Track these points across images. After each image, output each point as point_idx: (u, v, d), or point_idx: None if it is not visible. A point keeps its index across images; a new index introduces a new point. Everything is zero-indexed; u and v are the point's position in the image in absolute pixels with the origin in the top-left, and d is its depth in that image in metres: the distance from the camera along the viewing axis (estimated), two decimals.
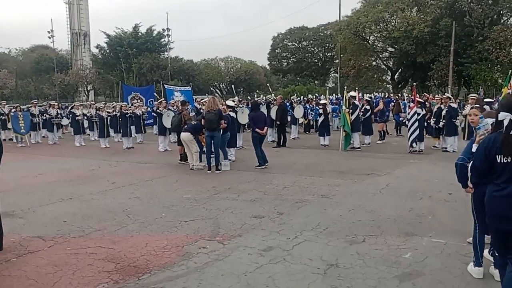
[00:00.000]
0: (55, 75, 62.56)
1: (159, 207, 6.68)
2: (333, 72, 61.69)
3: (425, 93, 25.46)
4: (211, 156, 9.88)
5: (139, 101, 21.80)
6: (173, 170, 10.38)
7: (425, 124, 13.13)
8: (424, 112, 13.03)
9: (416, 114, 12.39)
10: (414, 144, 12.35)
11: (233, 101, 16.01)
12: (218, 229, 5.52)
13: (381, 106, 16.35)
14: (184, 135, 10.18)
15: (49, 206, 6.89)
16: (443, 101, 13.05)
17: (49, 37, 65.46)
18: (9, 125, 17.47)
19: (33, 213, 6.44)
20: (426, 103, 16.51)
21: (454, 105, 13.00)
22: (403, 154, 12.28)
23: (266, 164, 10.25)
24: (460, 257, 4.43)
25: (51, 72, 64.68)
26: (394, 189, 7.63)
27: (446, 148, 12.53)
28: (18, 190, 8.10)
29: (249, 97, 34.02)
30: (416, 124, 12.30)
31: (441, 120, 12.65)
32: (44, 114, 17.51)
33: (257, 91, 45.51)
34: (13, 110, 16.91)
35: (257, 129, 10.40)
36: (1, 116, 17.89)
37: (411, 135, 12.36)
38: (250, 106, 16.70)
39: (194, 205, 6.77)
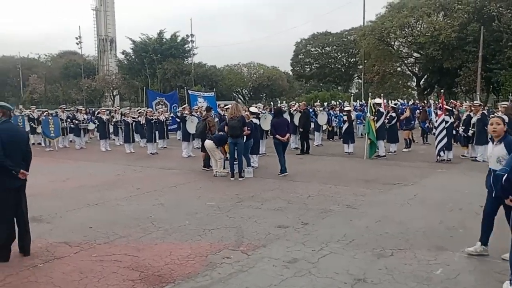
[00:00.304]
0: (82, 81, 64.12)
1: (183, 214, 6.68)
2: (356, 78, 61.10)
3: (452, 100, 24.89)
4: (234, 163, 9.86)
5: (163, 106, 22.01)
6: (197, 176, 10.40)
7: (453, 132, 12.81)
8: (452, 120, 12.70)
9: (444, 122, 12.08)
10: (441, 153, 12.04)
11: (257, 107, 16.01)
12: (242, 239, 5.46)
13: (407, 113, 16.01)
14: (208, 144, 10.19)
15: (75, 211, 6.98)
16: (472, 108, 12.68)
17: (77, 43, 67.13)
18: (39, 130, 17.93)
19: (60, 218, 6.53)
20: (454, 110, 16.14)
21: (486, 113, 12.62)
22: (430, 163, 11.97)
23: (285, 173, 10.16)
24: (495, 275, 4.23)
25: (79, 78, 66.32)
26: (422, 200, 7.41)
27: (475, 157, 12.16)
28: (46, 195, 8.25)
29: (272, 103, 33.92)
30: (444, 132, 11.99)
31: (470, 128, 12.31)
32: (72, 119, 17.89)
33: (278, 99, 45.50)
34: (43, 115, 17.31)
35: (277, 136, 10.36)
36: (30, 122, 18.37)
37: (438, 143, 12.05)
38: (273, 112, 16.69)
39: (218, 213, 6.74)
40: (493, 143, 4.64)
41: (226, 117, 11.13)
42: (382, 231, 5.69)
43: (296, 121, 15.08)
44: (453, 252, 4.89)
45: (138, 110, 19.00)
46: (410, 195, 7.81)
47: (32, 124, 18.38)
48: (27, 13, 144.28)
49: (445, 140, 11.93)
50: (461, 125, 13.10)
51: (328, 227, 5.89)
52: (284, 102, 29.18)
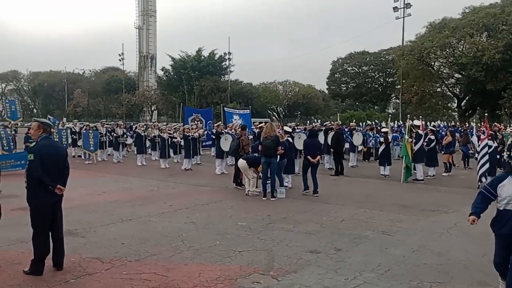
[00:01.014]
0: (123, 95, 66.37)
1: (214, 234, 6.63)
2: (394, 98, 60.09)
3: (496, 123, 23.89)
4: (267, 182, 9.78)
5: (199, 123, 22.33)
6: (229, 194, 10.38)
7: (497, 157, 12.22)
8: (495, 144, 12.13)
9: (487, 147, 11.55)
10: (483, 179, 11.46)
11: (290, 126, 15.94)
12: (272, 263, 5.34)
13: (449, 138, 15.37)
14: (241, 163, 10.17)
15: (109, 226, 7.08)
16: None
17: (119, 60, 69.85)
18: (79, 143, 18.57)
19: (94, 233, 6.64)
20: (498, 134, 15.45)
21: None
22: (471, 189, 11.39)
23: (307, 191, 10.27)
24: None
25: (120, 93, 68.73)
26: (464, 230, 7.03)
27: None
28: (82, 208, 8.44)
29: (307, 122, 33.76)
30: (487, 157, 11.44)
31: None
32: (112, 133, 18.42)
33: (313, 117, 45.17)
34: (83, 129, 17.91)
35: (308, 156, 10.41)
36: (72, 135, 19.07)
37: (480, 168, 11.50)
38: (307, 131, 16.56)
39: (249, 234, 6.65)
40: None
41: (260, 135, 11.15)
42: (420, 262, 5.41)
43: (330, 141, 14.87)
44: None
45: (174, 126, 19.35)
46: (450, 223, 7.44)
47: (73, 136, 19.07)
48: (74, 29, 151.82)
49: (487, 165, 11.37)
50: (505, 150, 12.50)
51: (362, 255, 5.68)
52: (319, 121, 28.98)
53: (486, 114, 17.40)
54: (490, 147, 11.60)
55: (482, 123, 15.26)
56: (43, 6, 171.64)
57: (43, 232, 4.81)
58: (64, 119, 38.56)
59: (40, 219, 4.77)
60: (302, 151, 15.06)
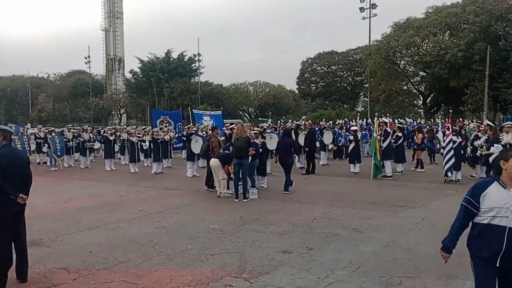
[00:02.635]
0: (90, 99, 64.74)
1: (185, 238, 6.53)
2: (362, 96, 61.18)
3: (460, 119, 24.69)
4: (239, 183, 9.74)
5: (167, 125, 22.03)
6: (201, 197, 10.28)
7: (461, 152, 12.63)
8: (460, 139, 12.53)
9: (452, 142, 11.92)
10: (449, 173, 11.84)
11: (268, 125, 15.91)
12: (245, 265, 5.30)
13: (421, 135, 15.74)
14: (213, 162, 10.13)
15: (76, 234, 6.86)
16: (480, 128, 12.52)
17: (86, 63, 68.10)
18: (44, 149, 17.95)
19: (60, 242, 6.41)
20: (462, 130, 15.95)
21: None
22: (438, 183, 11.77)
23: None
24: None
25: (87, 96, 67.01)
26: (431, 224, 7.21)
27: (484, 178, 11.93)
28: (47, 216, 8.15)
29: (279, 121, 33.93)
30: (452, 152, 11.81)
31: (478, 148, 12.12)
32: (78, 138, 17.92)
33: (283, 117, 45.45)
34: (50, 135, 17.25)
35: (277, 156, 11.00)
36: (37, 140, 18.43)
37: (446, 163, 11.86)
38: (279, 131, 16.63)
39: (221, 236, 6.59)
40: (504, 187, 3.14)
41: (231, 136, 11.13)
42: (390, 258, 5.50)
43: (301, 140, 14.97)
44: (464, 281, 4.70)
45: (143, 129, 19.01)
46: (418, 218, 7.62)
47: (38, 141, 18.41)
48: (38, 31, 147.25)
49: (453, 160, 11.74)
50: (469, 145, 12.94)
51: (334, 253, 5.72)
52: (290, 120, 29.18)
53: (450, 111, 17.95)
54: (454, 142, 11.98)
55: (447, 120, 15.70)
56: (3, 8, 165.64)
57: (6, 244, 4.59)
58: (29, 125, 37.28)
59: (3, 230, 4.55)
60: (272, 151, 15.25)
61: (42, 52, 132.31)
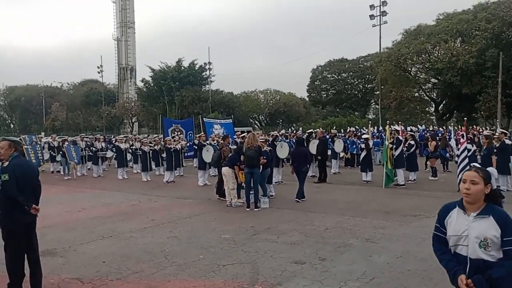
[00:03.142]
0: (102, 108, 65.49)
1: (197, 248, 6.54)
2: (373, 103, 60.92)
3: (473, 126, 24.41)
4: (251, 192, 9.74)
5: (179, 133, 22.15)
6: (212, 206, 10.28)
7: (476, 160, 12.47)
8: (474, 148, 12.38)
9: (466, 150, 11.77)
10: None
11: (272, 135, 15.92)
12: (257, 276, 5.28)
13: (434, 142, 15.60)
14: (224, 169, 10.15)
15: (89, 244, 6.91)
16: (494, 136, 12.36)
17: (98, 72, 68.98)
18: (58, 158, 18.17)
19: (73, 252, 6.46)
20: (475, 137, 15.78)
21: (508, 142, 12.27)
22: (452, 192, 11.58)
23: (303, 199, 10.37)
24: None
25: (99, 105, 67.81)
26: None
27: (498, 186, 11.73)
28: (61, 226, 8.23)
29: (290, 129, 33.88)
30: (467, 160, 11.64)
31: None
32: (90, 148, 18.11)
33: (294, 125, 45.39)
34: (65, 143, 17.42)
35: (293, 166, 10.94)
36: (50, 150, 18.68)
37: (460, 172, 11.69)
38: (290, 140, 16.60)
39: (233, 246, 6.58)
40: (464, 212, 2.83)
41: (243, 145, 11.18)
42: (404, 269, 5.43)
43: (313, 149, 14.93)
44: None
45: (154, 138, 19.14)
46: (432, 228, 7.46)
47: (52, 152, 18.66)
48: (51, 42, 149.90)
49: (468, 168, 11.57)
50: (481, 152, 12.79)
51: (347, 264, 5.67)
52: (301, 129, 29.11)
53: (465, 118, 17.73)
54: (469, 150, 11.83)
55: (461, 127, 15.50)
56: (18, 19, 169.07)
57: (20, 255, 4.64)
58: (42, 134, 37.76)
59: (16, 242, 4.60)
60: (284, 160, 15.23)
61: (56, 62, 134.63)
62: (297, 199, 10.42)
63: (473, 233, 2.74)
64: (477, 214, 2.77)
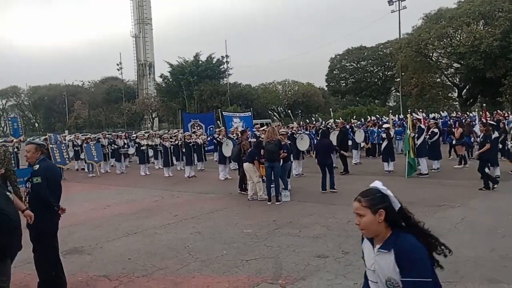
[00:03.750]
0: (123, 105, 66.43)
1: (220, 243, 6.60)
2: (394, 91, 59.92)
3: (498, 111, 23.75)
4: (272, 186, 9.74)
5: (198, 128, 22.29)
6: (234, 200, 10.35)
7: (500, 146, 12.16)
8: (497, 134, 12.03)
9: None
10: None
11: (291, 127, 15.85)
12: (280, 270, 5.30)
13: (460, 129, 15.24)
14: (245, 165, 10.18)
15: (115, 241, 7.06)
16: None
17: (118, 69, 69.92)
18: (82, 156, 18.58)
19: (100, 249, 6.62)
20: (500, 123, 15.35)
21: None
22: (477, 180, 11.31)
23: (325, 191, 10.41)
24: None
25: (120, 102, 68.81)
26: (471, 224, 6.99)
27: (498, 176, 11.42)
28: (87, 224, 8.43)
29: (307, 120, 33.69)
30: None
31: None
32: (113, 145, 18.43)
33: (313, 115, 45.03)
34: (84, 144, 17.86)
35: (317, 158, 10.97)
36: (75, 147, 19.11)
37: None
38: (310, 131, 16.49)
39: (255, 241, 6.61)
40: (372, 244, 2.32)
41: (261, 139, 11.19)
42: None
43: (333, 140, 14.80)
44: (508, 285, 4.53)
45: (174, 134, 19.31)
46: (458, 218, 7.39)
47: (76, 149, 19.09)
48: (72, 41, 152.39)
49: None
50: (509, 138, 12.45)
51: None
52: (321, 119, 28.90)
53: (484, 105, 17.26)
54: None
55: (482, 113, 15.10)
56: (37, 20, 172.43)
57: (51, 255, 4.75)
58: (66, 132, 38.57)
59: (48, 242, 4.71)
60: (304, 152, 15.16)
61: (76, 61, 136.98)
62: (324, 191, 10.45)
63: (378, 270, 2.23)
64: (379, 247, 2.23)
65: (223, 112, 24.45)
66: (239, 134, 14.83)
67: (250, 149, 10.64)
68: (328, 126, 19.59)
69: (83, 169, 18.87)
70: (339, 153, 14.50)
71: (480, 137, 10.96)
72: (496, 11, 35.87)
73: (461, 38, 38.64)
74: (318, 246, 6.22)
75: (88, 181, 15.62)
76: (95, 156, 17.15)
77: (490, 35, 34.55)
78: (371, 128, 19.18)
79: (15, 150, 15.47)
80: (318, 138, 16.57)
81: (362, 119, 27.25)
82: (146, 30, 77.80)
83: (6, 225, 3.66)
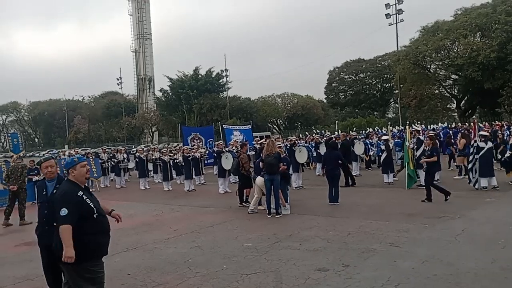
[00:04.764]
0: (123, 119, 66.58)
1: (220, 257, 6.57)
2: (393, 102, 60.21)
3: (497, 122, 23.84)
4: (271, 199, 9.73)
5: (198, 141, 22.33)
6: (234, 214, 10.32)
7: (499, 156, 12.24)
8: (490, 145, 12.07)
9: (475, 148, 11.71)
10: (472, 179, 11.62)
11: (291, 140, 15.87)
12: (280, 284, 5.27)
13: (464, 140, 15.19)
14: (258, 180, 10.02)
15: (114, 256, 7.01)
16: None
17: (118, 84, 70.29)
18: None
19: None
20: (498, 133, 15.40)
21: None
22: (477, 191, 11.38)
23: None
24: None
25: (120, 116, 69.00)
26: (472, 236, 6.97)
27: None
28: None
29: (306, 133, 33.76)
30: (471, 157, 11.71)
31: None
32: (113, 159, 18.45)
33: (313, 127, 45.13)
34: (85, 156, 17.94)
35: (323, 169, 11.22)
36: None
37: (469, 170, 11.68)
38: (308, 144, 16.51)
39: (255, 255, 6.59)
40: None
41: (261, 152, 11.22)
42: (430, 273, 5.34)
43: None
44: None
45: (174, 147, 19.36)
46: (458, 230, 7.37)
47: None
48: (72, 56, 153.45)
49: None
50: (509, 150, 12.50)
51: (371, 270, 5.61)
52: (321, 131, 28.96)
53: (474, 116, 17.35)
54: (481, 148, 11.62)
55: (484, 123, 15.19)
56: (37, 35, 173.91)
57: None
58: (66, 146, 38.57)
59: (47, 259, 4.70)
60: (303, 164, 15.16)
61: (77, 76, 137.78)
62: (334, 203, 10.50)
63: None
64: None
65: (223, 125, 24.51)
66: (239, 147, 14.86)
67: (255, 161, 10.60)
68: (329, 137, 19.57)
69: None
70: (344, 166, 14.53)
71: (427, 150, 11.16)
72: (493, 23, 36.23)
73: (459, 50, 38.96)
74: (318, 259, 6.19)
75: None
76: (94, 172, 17.16)
77: (487, 47, 34.85)
78: (370, 140, 19.22)
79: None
80: (318, 151, 16.67)
81: (363, 132, 27.25)
82: (146, 45, 78.48)
83: (106, 227, 4.29)
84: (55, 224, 4.03)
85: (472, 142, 11.99)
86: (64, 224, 3.86)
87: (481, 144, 11.70)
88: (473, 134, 12.19)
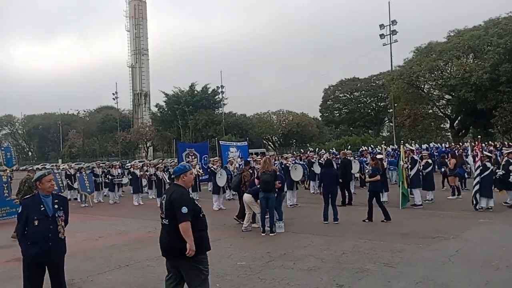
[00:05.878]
0: (118, 134, 66.46)
1: (213, 276, 6.49)
2: (387, 121, 60.65)
3: (490, 142, 24.06)
4: (266, 217, 9.69)
5: (193, 157, 22.26)
6: (227, 231, 10.25)
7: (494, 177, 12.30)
8: (492, 166, 12.17)
9: (480, 169, 11.68)
10: (479, 200, 11.54)
11: (286, 157, 15.90)
12: None
13: (454, 160, 15.30)
14: (246, 197, 10.09)
15: (106, 273, 6.95)
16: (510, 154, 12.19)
17: (114, 98, 70.38)
18: (75, 185, 18.45)
19: (91, 282, 6.50)
20: (492, 154, 15.53)
21: None
22: (471, 211, 11.41)
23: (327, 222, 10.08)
24: None
25: (115, 131, 68.89)
26: (466, 257, 6.97)
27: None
28: (79, 255, 8.27)
29: (301, 150, 33.84)
30: (478, 179, 11.59)
31: (511, 174, 11.80)
32: (107, 175, 18.35)
33: (308, 145, 45.27)
34: (78, 173, 17.85)
35: (321, 186, 11.10)
36: (67, 179, 19.00)
37: (475, 192, 11.61)
38: (303, 162, 16.52)
39: (249, 274, 6.54)
40: None
41: (257, 170, 11.21)
42: None
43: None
44: None
45: (170, 163, 19.31)
46: (452, 251, 7.37)
47: (68, 181, 18.97)
48: (68, 70, 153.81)
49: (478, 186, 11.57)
50: (501, 169, 12.60)
51: None
52: (316, 149, 29.02)
53: (479, 136, 17.51)
54: (487, 168, 11.67)
55: (476, 143, 15.33)
56: (34, 48, 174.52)
57: None
58: (60, 161, 38.38)
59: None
60: (298, 182, 15.15)
61: (72, 90, 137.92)
62: (325, 221, 10.49)
63: None
64: None
65: (220, 141, 24.49)
66: (235, 162, 14.86)
67: (249, 184, 10.51)
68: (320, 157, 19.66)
69: (76, 198, 18.69)
70: (341, 185, 14.52)
71: (369, 169, 11.32)
72: (485, 45, 36.91)
73: (452, 70, 39.55)
74: (312, 279, 6.15)
75: (81, 211, 15.43)
76: (87, 187, 17.06)
77: (479, 68, 35.41)
78: (364, 159, 19.31)
79: (8, 179, 15.36)
80: (312, 169, 16.69)
81: (359, 151, 27.35)
82: (143, 60, 78.99)
83: (206, 223, 4.75)
84: (177, 222, 4.42)
85: (477, 161, 12.01)
86: (186, 221, 4.36)
87: (488, 165, 11.79)
88: (478, 153, 12.20)
